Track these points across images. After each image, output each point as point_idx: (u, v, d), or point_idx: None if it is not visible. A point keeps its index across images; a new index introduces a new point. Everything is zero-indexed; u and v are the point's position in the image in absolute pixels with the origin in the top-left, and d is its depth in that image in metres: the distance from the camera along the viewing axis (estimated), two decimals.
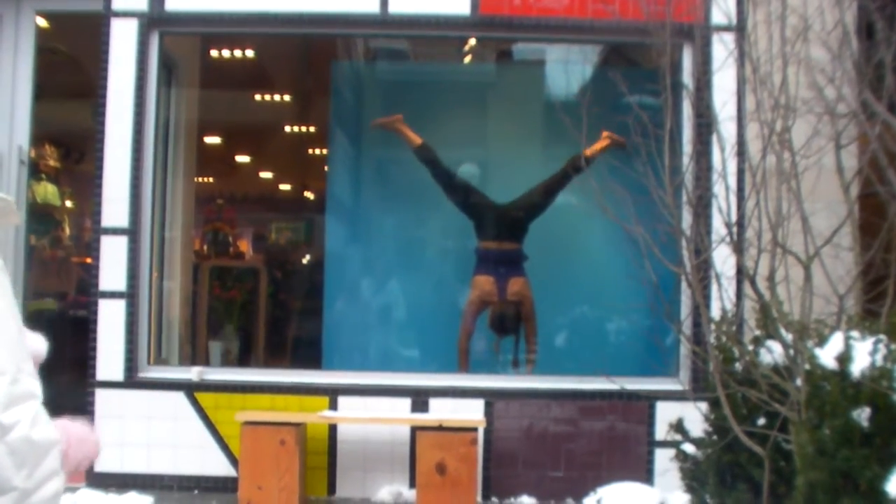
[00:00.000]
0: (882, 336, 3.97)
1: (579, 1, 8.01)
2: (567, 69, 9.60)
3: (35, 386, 2.07)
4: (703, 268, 5.93)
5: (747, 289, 5.55)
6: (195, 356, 9.84)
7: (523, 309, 8.89)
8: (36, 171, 10.28)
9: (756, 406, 4.99)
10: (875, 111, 4.59)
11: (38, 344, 2.47)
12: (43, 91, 8.49)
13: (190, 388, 7.82)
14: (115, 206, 7.83)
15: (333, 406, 7.82)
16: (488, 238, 9.07)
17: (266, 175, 15.46)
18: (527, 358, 9.04)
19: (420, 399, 7.87)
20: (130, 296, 7.80)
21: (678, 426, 5.84)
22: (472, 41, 9.60)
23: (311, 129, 13.17)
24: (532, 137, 10.15)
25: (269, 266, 12.45)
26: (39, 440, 2.01)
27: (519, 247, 9.03)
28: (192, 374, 7.89)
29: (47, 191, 11.19)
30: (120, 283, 7.81)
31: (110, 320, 7.79)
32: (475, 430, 7.53)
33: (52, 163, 11.38)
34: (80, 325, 8.28)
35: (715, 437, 5.42)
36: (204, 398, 7.80)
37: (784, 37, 5.19)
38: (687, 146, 7.37)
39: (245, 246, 14.25)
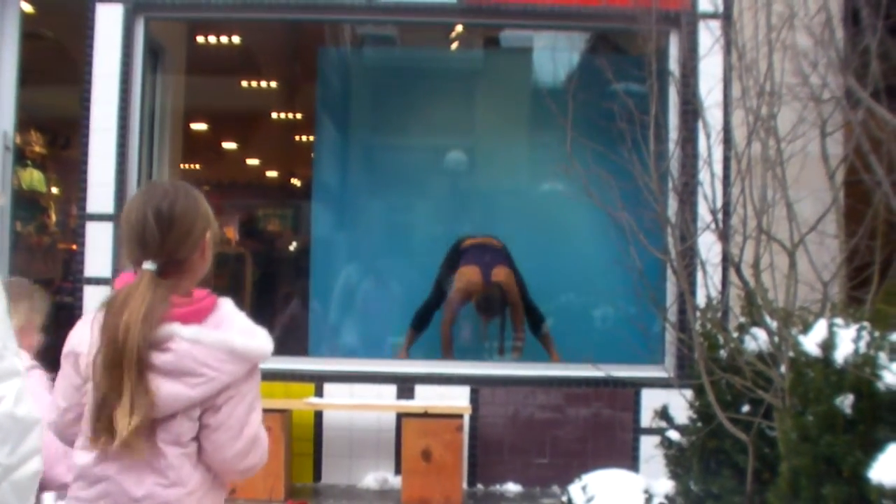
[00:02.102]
0: (866, 323, 3.96)
1: None
2: (554, 56, 9.59)
3: (19, 363, 2.07)
4: (689, 255, 5.93)
5: (732, 276, 5.56)
6: None
7: (509, 296, 8.89)
8: (21, 157, 10.25)
9: (740, 393, 5.00)
10: (859, 98, 4.59)
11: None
12: (28, 77, 8.44)
13: None
14: (100, 192, 7.80)
15: (319, 393, 7.82)
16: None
17: (252, 161, 15.42)
18: (513, 345, 9.05)
19: (406, 386, 7.87)
20: None
21: (663, 413, 5.85)
22: (459, 28, 9.59)
23: (298, 115, 13.14)
24: (519, 124, 10.15)
25: (255, 253, 12.43)
26: (23, 417, 2.01)
27: (502, 245, 9.05)
28: None
29: (33, 177, 11.16)
30: (105, 270, 7.78)
31: (95, 306, 7.75)
32: (461, 416, 7.55)
33: (37, 149, 11.34)
34: (66, 312, 8.24)
35: (699, 424, 5.43)
36: None
37: (770, 24, 5.19)
38: (673, 133, 7.38)
39: (231, 233, 14.22)
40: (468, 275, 8.87)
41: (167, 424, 2.78)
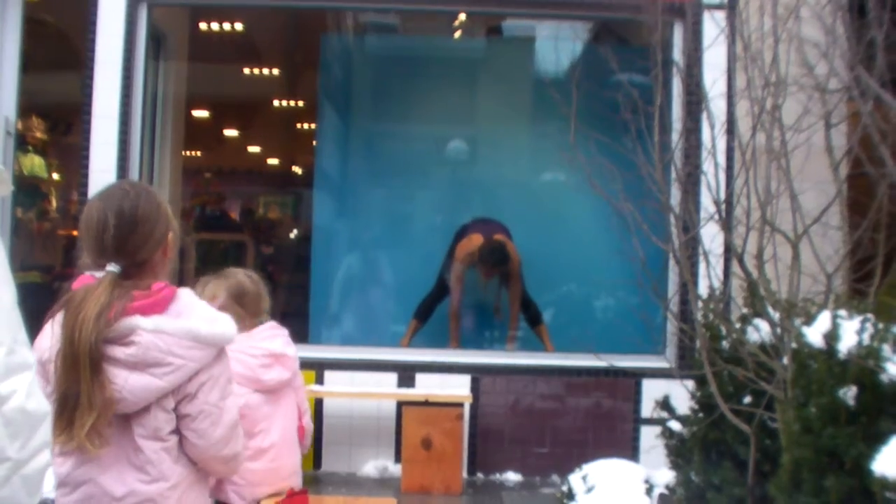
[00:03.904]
0: (869, 315, 3.96)
1: None
2: (557, 45, 9.56)
3: (30, 357, 2.06)
4: (691, 245, 5.93)
5: (735, 267, 5.55)
6: None
7: (511, 262, 8.85)
8: (23, 143, 10.21)
9: (742, 384, 4.99)
10: (867, 86, 4.58)
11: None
12: (30, 63, 8.43)
13: None
14: (101, 179, 7.76)
15: (320, 380, 7.82)
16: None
17: (254, 149, 15.42)
18: (510, 318, 9.06)
19: (406, 374, 7.87)
20: None
21: (664, 403, 5.85)
22: (463, 16, 9.56)
23: (300, 103, 13.13)
24: (521, 113, 10.13)
25: (256, 240, 12.43)
26: (34, 411, 2.00)
27: (505, 226, 9.05)
28: None
29: (34, 163, 11.12)
30: None
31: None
32: (461, 405, 7.55)
33: (39, 135, 11.30)
34: None
35: (701, 415, 5.42)
36: None
37: (776, 14, 5.17)
38: (676, 123, 7.38)
39: (234, 216, 14.22)
40: (469, 242, 8.87)
41: (141, 419, 2.80)
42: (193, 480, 2.93)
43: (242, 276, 4.35)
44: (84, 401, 2.68)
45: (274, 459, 4.19)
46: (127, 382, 2.74)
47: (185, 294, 2.91)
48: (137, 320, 2.76)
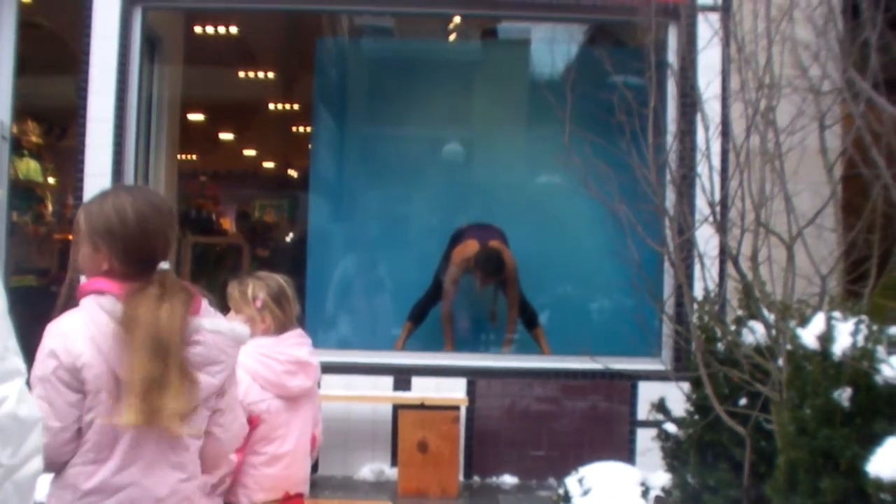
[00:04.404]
0: (864, 317, 3.97)
1: None
2: (552, 48, 9.56)
3: (21, 363, 2.06)
4: (686, 247, 5.93)
5: (730, 269, 5.56)
6: None
7: (506, 267, 8.84)
8: (18, 146, 10.22)
9: (738, 386, 5.00)
10: (860, 88, 4.58)
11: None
12: (25, 66, 8.42)
13: None
14: (97, 183, 7.74)
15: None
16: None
17: (249, 152, 15.44)
18: (507, 322, 9.06)
19: (402, 377, 7.87)
20: None
21: (660, 406, 5.85)
22: (458, 19, 9.57)
23: (296, 106, 13.14)
24: (516, 116, 10.13)
25: (252, 243, 12.44)
26: (25, 417, 2.00)
27: (501, 230, 9.04)
28: None
29: (29, 167, 11.14)
30: None
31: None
32: (457, 408, 7.55)
33: (34, 139, 11.32)
34: None
35: (696, 417, 5.43)
36: None
37: (769, 16, 5.18)
38: (671, 125, 7.37)
39: (227, 223, 14.24)
40: (465, 247, 8.86)
41: (191, 418, 2.83)
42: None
43: (281, 280, 4.35)
44: (174, 385, 2.70)
45: (287, 467, 4.18)
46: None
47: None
48: (200, 321, 2.84)
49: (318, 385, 4.48)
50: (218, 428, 2.95)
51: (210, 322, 2.87)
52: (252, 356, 4.02)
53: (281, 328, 4.21)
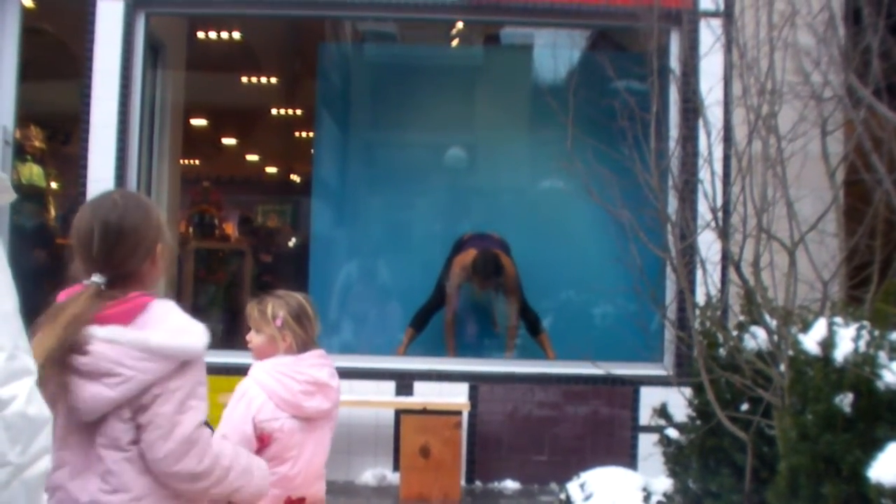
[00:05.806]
0: (866, 322, 3.97)
1: None
2: (554, 53, 9.58)
3: (31, 362, 2.06)
4: (689, 253, 5.93)
5: (732, 274, 5.56)
6: None
7: (505, 271, 8.84)
8: (21, 152, 10.23)
9: (740, 391, 5.00)
10: (861, 95, 4.59)
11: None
12: (28, 72, 8.44)
13: None
14: (100, 188, 7.75)
15: None
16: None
17: (252, 158, 15.44)
18: (508, 329, 9.06)
19: (404, 382, 7.87)
20: None
21: (662, 411, 5.85)
22: (460, 25, 9.58)
23: (298, 111, 13.15)
24: (519, 121, 10.15)
25: (255, 248, 12.44)
26: (34, 416, 2.01)
27: (502, 238, 9.05)
28: None
29: (32, 172, 11.14)
30: None
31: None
32: (459, 413, 7.55)
33: (37, 144, 11.32)
34: None
35: (698, 422, 5.43)
36: None
37: (771, 22, 5.19)
38: (673, 131, 7.38)
39: (230, 228, 14.23)
40: (465, 257, 8.87)
41: (101, 428, 2.78)
42: (166, 495, 2.87)
43: (303, 298, 4.32)
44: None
45: (297, 489, 4.17)
46: (82, 391, 2.73)
47: (160, 305, 2.86)
48: (94, 330, 2.74)
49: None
50: (143, 444, 2.80)
51: (107, 331, 2.75)
52: (270, 373, 4.01)
53: (303, 347, 4.19)
